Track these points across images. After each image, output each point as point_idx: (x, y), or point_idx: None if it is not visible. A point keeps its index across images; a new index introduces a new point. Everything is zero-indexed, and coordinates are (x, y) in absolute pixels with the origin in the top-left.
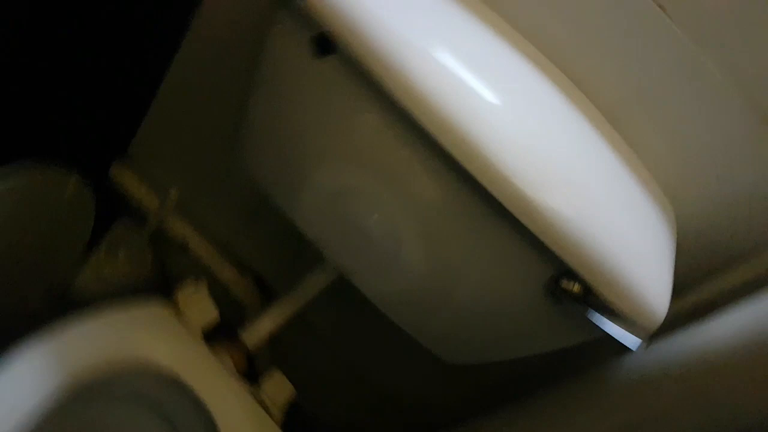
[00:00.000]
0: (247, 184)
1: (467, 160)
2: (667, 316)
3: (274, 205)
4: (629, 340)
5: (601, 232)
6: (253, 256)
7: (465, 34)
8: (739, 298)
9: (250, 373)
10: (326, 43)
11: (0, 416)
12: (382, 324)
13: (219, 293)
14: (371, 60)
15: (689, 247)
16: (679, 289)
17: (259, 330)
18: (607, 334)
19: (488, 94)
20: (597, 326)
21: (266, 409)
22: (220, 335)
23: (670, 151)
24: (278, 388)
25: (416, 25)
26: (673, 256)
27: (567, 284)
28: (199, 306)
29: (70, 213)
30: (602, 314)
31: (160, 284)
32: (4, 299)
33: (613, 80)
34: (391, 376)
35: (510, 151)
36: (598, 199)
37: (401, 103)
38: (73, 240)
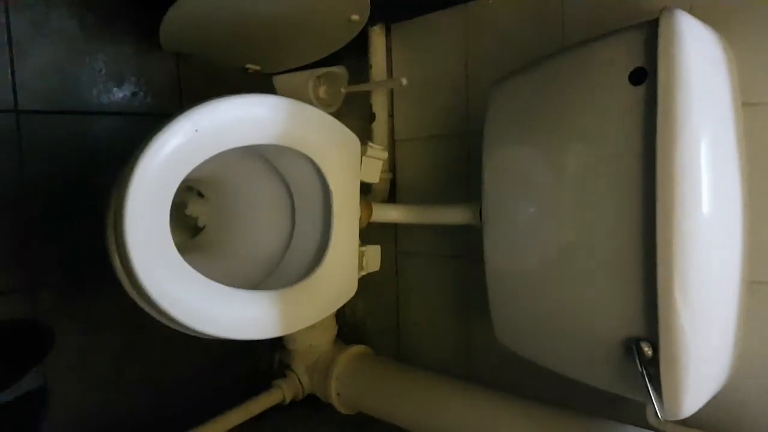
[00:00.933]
0: (456, 123)
1: (663, 224)
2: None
3: (482, 143)
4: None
5: (698, 342)
6: (403, 166)
7: (727, 158)
8: None
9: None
10: (641, 75)
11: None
12: (447, 290)
13: None
14: (664, 112)
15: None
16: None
17: (387, 212)
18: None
19: (708, 205)
20: (635, 386)
21: (360, 263)
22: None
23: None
24: (374, 257)
25: (711, 123)
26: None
27: (646, 347)
28: (375, 165)
29: (337, 32)
30: (645, 383)
31: None
32: (236, 50)
33: None
34: (417, 326)
35: (695, 249)
36: (712, 321)
37: (658, 154)
38: (312, 48)
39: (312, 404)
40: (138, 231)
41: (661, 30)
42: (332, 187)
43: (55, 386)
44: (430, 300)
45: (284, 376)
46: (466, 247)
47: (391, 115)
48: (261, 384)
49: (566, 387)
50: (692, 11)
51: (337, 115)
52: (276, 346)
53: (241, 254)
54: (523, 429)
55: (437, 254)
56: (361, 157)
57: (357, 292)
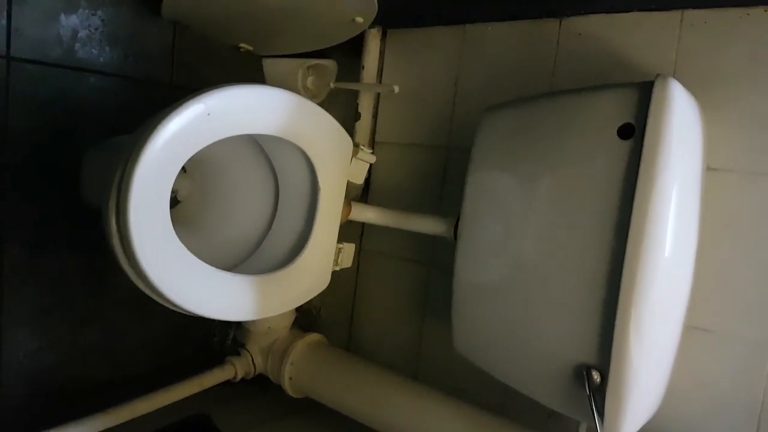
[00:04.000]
0: (438, 136)
1: (630, 264)
2: None
3: (468, 164)
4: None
5: (643, 377)
6: (380, 166)
7: (690, 213)
8: None
9: None
10: (629, 131)
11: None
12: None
13: None
14: (646, 166)
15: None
16: None
17: (364, 212)
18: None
19: (670, 254)
20: (578, 408)
21: (336, 259)
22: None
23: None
24: (348, 254)
25: (683, 180)
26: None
27: (595, 375)
28: (362, 167)
29: (337, 30)
30: (591, 407)
31: None
32: (232, 28)
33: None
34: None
35: (654, 290)
36: (658, 358)
37: (636, 201)
38: (308, 39)
39: (261, 384)
40: (141, 206)
41: (655, 94)
42: (321, 183)
43: (11, 342)
44: (386, 299)
45: (237, 353)
46: (429, 255)
47: (374, 117)
48: (213, 358)
49: (507, 396)
50: (675, 75)
51: (324, 107)
52: (231, 323)
53: (219, 234)
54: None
55: (400, 257)
56: (352, 158)
57: None
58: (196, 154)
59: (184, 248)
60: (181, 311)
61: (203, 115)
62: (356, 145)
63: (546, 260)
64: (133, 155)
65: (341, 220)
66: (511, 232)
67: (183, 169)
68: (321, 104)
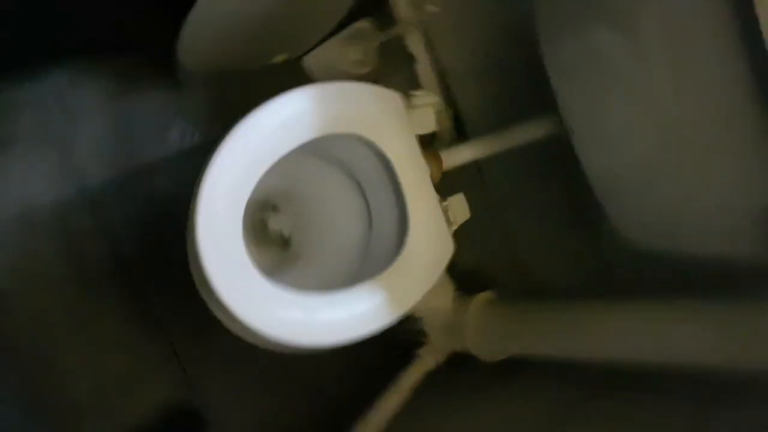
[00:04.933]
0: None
1: None
2: None
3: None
4: None
5: None
6: (462, 97)
7: None
8: None
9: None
10: None
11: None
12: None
13: None
14: None
15: None
16: None
17: (459, 154)
18: None
19: None
20: None
21: (447, 219)
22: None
23: None
24: (460, 208)
25: None
26: None
27: None
28: (426, 113)
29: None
30: None
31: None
32: (258, 48)
33: None
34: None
35: None
36: None
37: None
38: (323, 21)
39: (459, 361)
40: (219, 270)
41: None
42: (388, 154)
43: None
44: (536, 227)
45: (422, 343)
46: (559, 162)
47: (432, 50)
48: (403, 357)
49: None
50: None
51: (378, 70)
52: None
53: (329, 252)
54: (696, 327)
55: (528, 177)
56: (408, 110)
57: (459, 246)
58: (273, 187)
59: (280, 290)
60: (325, 349)
61: (242, 157)
62: (407, 95)
63: (682, 112)
64: (189, 227)
65: (434, 176)
66: (626, 96)
67: (275, 208)
68: (376, 68)
